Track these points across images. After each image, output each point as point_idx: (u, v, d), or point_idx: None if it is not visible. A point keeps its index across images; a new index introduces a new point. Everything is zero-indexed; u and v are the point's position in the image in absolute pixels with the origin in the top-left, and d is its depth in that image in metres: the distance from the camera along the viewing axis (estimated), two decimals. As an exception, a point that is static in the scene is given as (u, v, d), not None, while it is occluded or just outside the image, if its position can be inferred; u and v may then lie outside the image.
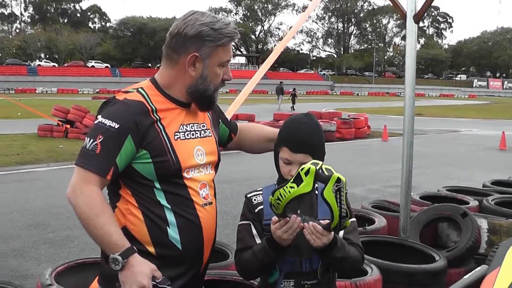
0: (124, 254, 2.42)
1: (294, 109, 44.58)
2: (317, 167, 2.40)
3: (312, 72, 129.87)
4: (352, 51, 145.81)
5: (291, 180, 2.43)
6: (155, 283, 2.46)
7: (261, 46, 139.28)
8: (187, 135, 2.73)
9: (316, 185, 2.46)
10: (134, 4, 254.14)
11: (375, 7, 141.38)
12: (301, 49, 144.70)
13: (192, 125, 2.79)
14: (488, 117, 42.13)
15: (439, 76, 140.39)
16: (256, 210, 2.84)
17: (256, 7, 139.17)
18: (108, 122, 2.52)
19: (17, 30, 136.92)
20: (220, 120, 3.15)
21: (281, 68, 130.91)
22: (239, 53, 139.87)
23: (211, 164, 2.88)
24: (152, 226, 2.61)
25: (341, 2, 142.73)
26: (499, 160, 17.71)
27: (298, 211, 2.62)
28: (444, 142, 23.44)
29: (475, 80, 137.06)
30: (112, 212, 2.58)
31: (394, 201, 7.30)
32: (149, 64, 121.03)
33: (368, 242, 5.45)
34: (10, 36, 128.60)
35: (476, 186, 8.86)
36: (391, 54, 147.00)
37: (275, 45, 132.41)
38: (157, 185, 2.62)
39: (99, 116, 2.58)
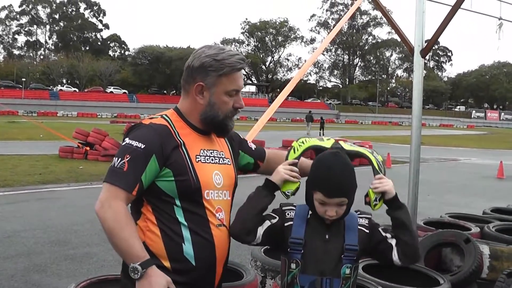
0: (143, 265, 2.48)
1: (323, 135, 46.65)
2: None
3: (319, 101, 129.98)
4: (357, 82, 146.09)
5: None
6: None
7: (270, 76, 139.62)
8: (207, 159, 2.80)
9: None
10: (152, 33, 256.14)
11: (379, 40, 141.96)
12: (309, 79, 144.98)
13: (212, 151, 2.86)
14: (486, 147, 42.13)
15: (439, 107, 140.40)
16: (285, 224, 2.83)
17: (267, 39, 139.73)
18: (135, 143, 2.61)
19: (42, 57, 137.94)
20: (240, 150, 3.19)
21: (289, 97, 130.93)
22: (250, 82, 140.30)
23: (228, 190, 2.91)
24: (168, 242, 2.66)
25: (347, 36, 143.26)
26: (497, 188, 17.64)
27: (326, 236, 2.74)
28: (445, 170, 23.40)
29: (474, 111, 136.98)
30: (135, 226, 2.64)
31: (399, 226, 7.27)
32: (165, 91, 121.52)
33: (374, 265, 5.42)
34: (35, 62, 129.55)
35: (476, 213, 8.82)
36: (394, 85, 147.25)
37: (284, 75, 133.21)
38: (177, 202, 2.68)
39: (127, 139, 2.66)
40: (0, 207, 11.62)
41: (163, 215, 2.67)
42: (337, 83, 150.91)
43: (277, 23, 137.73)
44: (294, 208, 2.89)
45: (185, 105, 2.86)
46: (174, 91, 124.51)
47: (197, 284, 2.71)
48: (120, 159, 2.59)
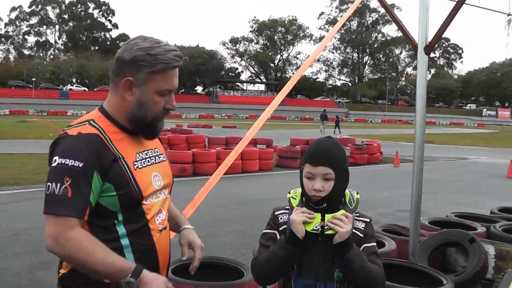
0: (135, 274, 2.30)
1: (340, 133, 49.91)
2: None
3: (328, 99, 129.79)
4: (366, 80, 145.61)
5: None
6: None
7: (279, 74, 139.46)
8: (144, 163, 2.59)
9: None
10: (161, 32, 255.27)
11: (389, 38, 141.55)
12: (318, 78, 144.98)
13: (147, 152, 2.65)
14: (496, 146, 41.84)
15: (450, 105, 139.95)
16: (280, 229, 2.83)
17: (276, 37, 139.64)
18: (70, 162, 2.32)
19: (51, 57, 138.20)
20: None
21: (298, 96, 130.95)
22: (259, 80, 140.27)
23: (167, 187, 2.77)
24: None
25: (356, 33, 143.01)
26: (507, 188, 17.51)
27: (319, 238, 2.68)
28: (453, 169, 23.25)
29: (484, 109, 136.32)
30: (102, 243, 2.36)
31: (404, 225, 7.26)
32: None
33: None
34: (45, 62, 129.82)
35: (484, 212, 8.79)
36: (403, 83, 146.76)
37: (293, 73, 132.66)
38: (119, 216, 2.47)
39: (56, 158, 2.35)
40: (8, 205, 11.73)
41: (101, 230, 2.44)
42: (346, 81, 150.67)
43: (286, 21, 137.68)
44: (287, 211, 2.87)
45: (112, 102, 2.58)
46: (183, 90, 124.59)
47: None
48: (59, 184, 2.29)
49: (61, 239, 2.26)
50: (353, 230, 2.72)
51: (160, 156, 2.75)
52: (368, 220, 2.82)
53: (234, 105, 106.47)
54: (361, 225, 2.78)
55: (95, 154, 2.37)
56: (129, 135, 2.57)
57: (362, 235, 2.74)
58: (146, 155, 2.63)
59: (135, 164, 2.53)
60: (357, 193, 2.85)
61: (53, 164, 2.35)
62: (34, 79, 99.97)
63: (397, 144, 36.02)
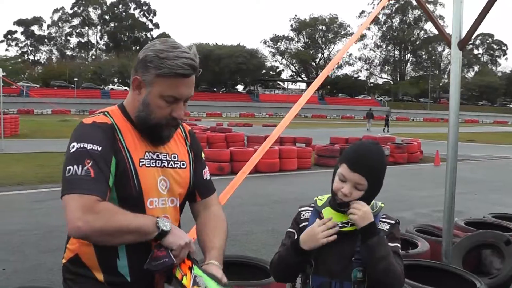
0: (162, 224, 2.33)
1: (388, 131, 50.46)
2: None
3: (369, 98, 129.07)
4: (408, 78, 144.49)
5: None
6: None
7: (320, 73, 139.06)
8: (152, 163, 2.52)
9: None
10: (201, 31, 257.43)
11: (431, 35, 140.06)
12: (359, 76, 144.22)
13: (159, 154, 2.57)
14: (541, 145, 41.14)
15: (493, 103, 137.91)
16: (300, 226, 2.82)
17: (316, 36, 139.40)
18: (88, 146, 2.31)
19: (93, 57, 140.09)
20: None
21: (340, 94, 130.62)
22: (300, 79, 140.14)
23: (178, 197, 2.65)
24: (102, 256, 2.43)
25: (398, 31, 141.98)
26: (550, 188, 17.06)
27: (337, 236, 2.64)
28: (495, 168, 22.91)
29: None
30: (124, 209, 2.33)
31: (439, 226, 7.11)
32: (214, 89, 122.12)
33: (410, 266, 5.30)
34: (87, 62, 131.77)
35: (523, 213, 8.57)
36: (446, 81, 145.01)
37: (334, 72, 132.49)
38: None
39: (74, 143, 2.33)
40: (45, 202, 11.91)
41: None
42: (388, 79, 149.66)
43: (327, 19, 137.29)
44: (311, 208, 2.87)
45: (128, 99, 2.59)
46: (224, 89, 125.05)
47: None
48: (80, 166, 2.26)
49: (89, 216, 2.19)
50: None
51: (177, 162, 2.66)
52: (393, 222, 2.76)
53: (275, 103, 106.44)
54: (385, 227, 2.72)
55: (109, 142, 2.38)
56: (142, 133, 2.55)
57: (385, 236, 2.66)
58: (157, 156, 2.56)
59: (142, 162, 2.48)
60: (382, 203, 2.81)
61: (72, 150, 2.33)
62: (76, 79, 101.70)
63: (438, 143, 35.53)
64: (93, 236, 2.25)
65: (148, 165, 2.50)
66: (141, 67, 2.44)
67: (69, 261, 2.50)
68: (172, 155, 2.63)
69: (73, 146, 2.33)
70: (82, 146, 2.31)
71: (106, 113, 2.53)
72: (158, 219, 2.33)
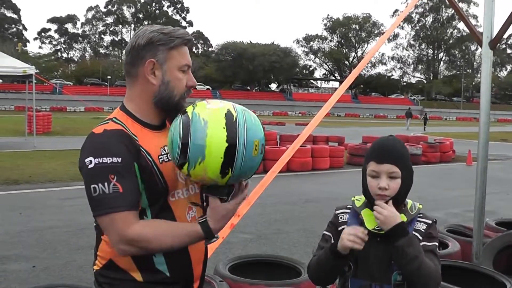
0: (205, 230, 2.37)
1: (425, 130, 51.50)
2: None
3: (403, 97, 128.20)
4: (441, 77, 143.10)
5: None
6: None
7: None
8: (169, 157, 2.49)
9: None
10: (235, 29, 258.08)
11: (464, 34, 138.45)
12: (392, 75, 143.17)
13: None
14: None
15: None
16: (339, 229, 2.77)
17: (350, 35, 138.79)
18: (108, 160, 2.29)
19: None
20: None
21: (373, 93, 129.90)
22: (333, 78, 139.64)
23: (196, 183, 2.65)
24: (137, 258, 2.43)
25: (431, 30, 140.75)
26: None
27: (378, 238, 2.64)
28: (529, 168, 22.56)
29: None
30: (164, 220, 2.41)
31: (470, 226, 7.04)
32: (248, 87, 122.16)
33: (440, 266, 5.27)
34: (120, 60, 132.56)
35: (555, 214, 8.47)
36: (479, 80, 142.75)
37: (368, 71, 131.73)
38: (148, 213, 2.44)
39: (91, 159, 2.30)
40: (76, 200, 11.93)
41: None
42: (421, 78, 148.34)
43: (360, 18, 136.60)
44: (348, 210, 2.84)
45: (134, 97, 2.57)
46: (257, 87, 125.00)
47: None
48: (106, 183, 2.26)
49: (128, 237, 2.27)
50: (414, 232, 2.63)
51: None
52: (430, 221, 2.72)
53: (308, 102, 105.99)
54: (422, 227, 2.68)
55: (126, 148, 2.35)
56: (152, 130, 2.55)
57: (421, 237, 2.63)
58: None
59: (160, 158, 2.48)
60: (420, 204, 2.78)
61: (90, 166, 2.30)
62: (109, 77, 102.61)
63: (471, 142, 35.12)
64: (138, 254, 2.36)
65: (167, 160, 2.50)
66: (148, 50, 2.47)
67: (103, 267, 2.50)
68: None
69: (91, 162, 2.30)
70: (101, 161, 2.29)
71: (114, 119, 2.50)
72: (206, 239, 2.39)
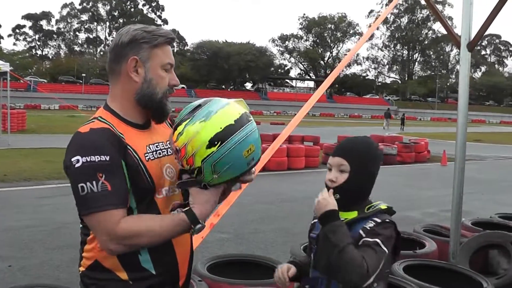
0: (191, 218, 2.35)
1: (403, 130, 53.21)
2: None
3: (377, 97, 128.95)
4: (416, 78, 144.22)
5: None
6: None
7: (329, 71, 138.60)
8: (155, 155, 2.54)
9: None
10: (211, 28, 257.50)
11: (439, 35, 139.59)
12: (367, 75, 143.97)
13: (157, 144, 2.60)
14: (547, 145, 40.96)
15: (500, 103, 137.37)
16: (311, 222, 2.89)
17: (325, 34, 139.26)
18: (96, 158, 2.28)
19: (101, 53, 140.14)
20: None
21: (348, 93, 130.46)
22: (308, 77, 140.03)
23: None
24: (123, 258, 2.42)
25: (406, 30, 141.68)
26: (558, 189, 16.99)
27: None
28: (502, 168, 22.88)
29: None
30: (149, 214, 2.42)
31: (446, 226, 7.10)
32: (223, 86, 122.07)
33: (418, 266, 5.32)
34: (95, 58, 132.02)
35: (531, 214, 8.55)
36: (454, 81, 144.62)
37: (343, 71, 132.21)
38: (135, 212, 2.43)
39: (78, 157, 2.28)
40: (52, 198, 11.95)
41: None
42: (396, 78, 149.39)
43: (336, 18, 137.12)
44: None
45: (116, 95, 2.56)
46: (233, 86, 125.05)
47: None
48: (94, 182, 2.25)
49: (117, 234, 2.27)
50: (360, 230, 2.59)
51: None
52: (380, 220, 2.63)
53: (283, 101, 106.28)
54: (370, 225, 2.62)
55: (113, 146, 2.35)
56: (137, 129, 2.55)
57: (364, 234, 2.58)
58: (157, 147, 2.59)
59: (146, 156, 2.49)
60: (385, 206, 2.74)
61: (77, 165, 2.27)
62: (84, 74, 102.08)
63: (445, 142, 35.44)
64: (128, 251, 2.36)
65: (153, 158, 2.52)
66: (132, 48, 2.48)
67: (88, 268, 2.50)
68: (167, 142, 2.64)
69: (78, 161, 2.28)
70: (89, 159, 2.28)
71: (99, 118, 2.49)
72: (193, 228, 2.37)
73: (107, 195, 2.26)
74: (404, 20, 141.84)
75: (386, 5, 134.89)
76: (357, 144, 2.75)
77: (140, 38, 2.48)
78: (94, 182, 2.25)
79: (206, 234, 2.84)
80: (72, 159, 2.29)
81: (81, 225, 2.51)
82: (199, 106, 2.34)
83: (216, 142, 2.25)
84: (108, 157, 2.30)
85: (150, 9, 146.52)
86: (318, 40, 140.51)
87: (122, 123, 2.51)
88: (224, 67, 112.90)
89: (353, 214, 2.65)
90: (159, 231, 2.34)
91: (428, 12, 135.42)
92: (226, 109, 2.32)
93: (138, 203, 2.43)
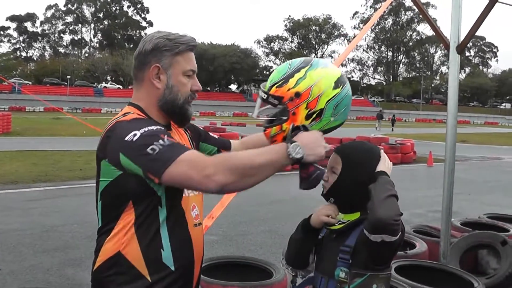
0: (293, 152, 2.33)
1: (393, 130, 55.17)
2: None
3: (362, 98, 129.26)
4: (401, 79, 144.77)
5: None
6: None
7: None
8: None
9: None
10: (195, 30, 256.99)
11: (424, 36, 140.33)
12: (352, 77, 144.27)
13: None
14: (532, 145, 41.22)
15: (484, 104, 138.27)
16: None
17: (310, 36, 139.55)
18: (152, 127, 2.33)
19: (86, 55, 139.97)
20: (201, 142, 3.02)
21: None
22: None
23: None
24: (146, 250, 2.43)
25: (391, 32, 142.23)
26: (542, 188, 17.12)
27: (334, 235, 2.71)
28: (487, 169, 23.01)
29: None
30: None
31: (436, 226, 7.15)
32: (208, 88, 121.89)
33: (409, 266, 5.34)
34: (80, 60, 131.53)
35: (518, 213, 8.62)
36: (438, 82, 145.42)
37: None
38: (163, 201, 2.44)
39: (135, 132, 2.30)
40: (40, 201, 11.88)
41: (144, 218, 2.42)
42: (380, 80, 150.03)
43: (320, 20, 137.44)
44: None
45: (141, 98, 2.63)
46: (217, 88, 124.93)
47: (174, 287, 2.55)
48: (160, 140, 2.26)
49: (214, 161, 2.26)
50: (364, 230, 2.52)
51: None
52: None
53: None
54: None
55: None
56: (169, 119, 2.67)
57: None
58: None
59: None
60: None
61: (136, 138, 2.28)
62: (69, 76, 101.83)
63: (431, 143, 35.65)
64: (234, 181, 2.26)
65: None
66: (154, 55, 2.56)
67: (107, 261, 2.47)
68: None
69: (135, 134, 2.30)
70: (146, 130, 2.31)
71: (130, 113, 2.55)
72: (288, 149, 2.33)
73: (177, 145, 2.30)
74: (389, 22, 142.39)
75: (371, 7, 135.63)
76: (355, 150, 2.76)
77: (162, 46, 2.56)
78: (160, 140, 2.26)
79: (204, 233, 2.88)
80: (127, 137, 2.30)
81: (100, 223, 2.59)
82: (303, 61, 2.68)
83: (339, 85, 2.57)
84: (162, 127, 2.39)
85: (135, 11, 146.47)
86: (303, 42, 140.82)
87: (150, 120, 2.56)
88: (209, 69, 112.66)
89: (356, 215, 2.65)
90: (256, 152, 2.34)
91: (412, 14, 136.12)
92: (329, 69, 2.62)
93: (167, 194, 2.44)
